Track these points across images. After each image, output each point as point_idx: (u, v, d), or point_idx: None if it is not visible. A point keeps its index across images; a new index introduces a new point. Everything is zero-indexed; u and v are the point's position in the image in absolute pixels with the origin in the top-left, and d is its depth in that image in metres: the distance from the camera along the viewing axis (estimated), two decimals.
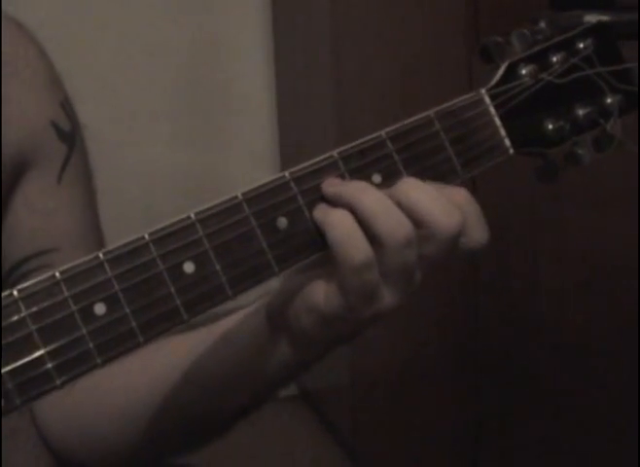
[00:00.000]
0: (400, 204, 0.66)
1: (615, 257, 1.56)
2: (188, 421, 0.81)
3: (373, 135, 0.70)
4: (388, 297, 0.67)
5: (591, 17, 0.76)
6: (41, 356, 0.61)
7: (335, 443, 2.10)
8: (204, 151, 2.24)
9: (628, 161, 1.28)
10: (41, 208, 0.86)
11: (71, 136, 0.87)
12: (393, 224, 0.65)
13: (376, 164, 0.69)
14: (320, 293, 0.67)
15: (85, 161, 0.90)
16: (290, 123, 2.23)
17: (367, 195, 0.66)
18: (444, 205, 0.66)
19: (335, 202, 0.67)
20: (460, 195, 0.68)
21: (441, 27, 1.59)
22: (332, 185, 0.67)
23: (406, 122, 0.70)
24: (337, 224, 0.66)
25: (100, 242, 0.90)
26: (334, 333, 0.70)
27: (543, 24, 0.75)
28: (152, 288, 0.63)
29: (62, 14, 2.04)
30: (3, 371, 0.60)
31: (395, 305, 0.68)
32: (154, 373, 0.81)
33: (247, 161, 2.26)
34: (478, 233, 0.68)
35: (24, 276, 0.84)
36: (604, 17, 0.76)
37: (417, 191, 0.66)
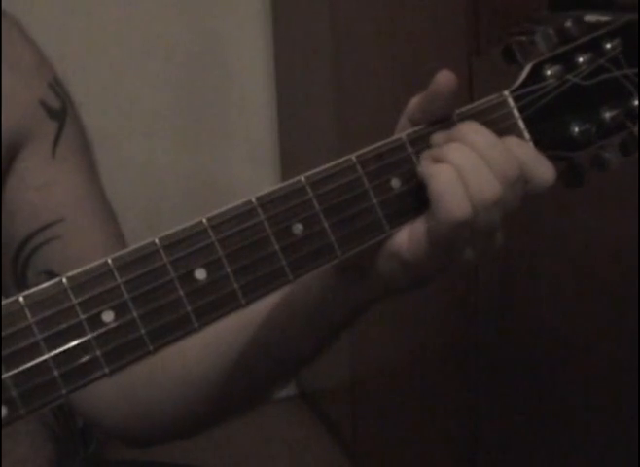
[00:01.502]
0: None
1: (615, 257, 1.56)
2: (249, 378, 0.80)
3: (393, 138, 0.68)
4: (469, 252, 0.68)
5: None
6: (47, 364, 0.59)
7: (335, 443, 2.10)
8: (204, 151, 2.24)
9: (629, 161, 1.28)
10: (38, 183, 0.86)
11: (62, 113, 0.88)
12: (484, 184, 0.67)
13: (395, 168, 0.68)
14: (403, 240, 0.68)
15: (80, 134, 0.90)
16: (290, 123, 2.22)
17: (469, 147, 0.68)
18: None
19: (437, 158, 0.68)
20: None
21: (441, 27, 1.59)
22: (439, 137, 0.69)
23: (426, 125, 0.69)
24: (441, 174, 0.66)
25: (107, 210, 0.90)
26: (410, 278, 0.70)
27: (569, 24, 0.73)
28: (162, 295, 0.62)
29: (62, 13, 2.04)
30: (7, 377, 0.59)
31: (473, 261, 0.69)
32: (210, 332, 0.79)
33: (247, 160, 2.26)
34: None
35: (34, 252, 0.85)
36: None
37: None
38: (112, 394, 0.85)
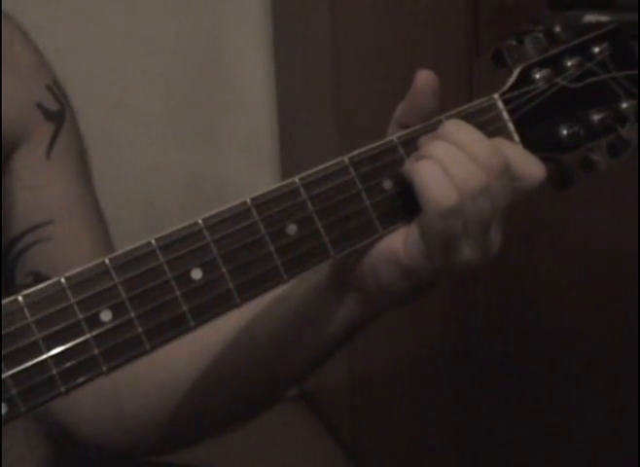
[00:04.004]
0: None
1: (615, 256, 1.56)
2: (237, 394, 0.79)
3: (385, 140, 0.69)
4: (467, 251, 0.68)
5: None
6: (46, 363, 0.60)
7: (335, 443, 2.11)
8: (204, 151, 2.24)
9: (628, 160, 1.28)
10: (31, 183, 0.86)
11: (59, 115, 0.88)
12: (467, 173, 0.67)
13: (388, 170, 0.68)
14: (399, 244, 0.68)
15: (76, 138, 0.90)
16: (290, 123, 2.23)
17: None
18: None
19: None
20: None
21: (441, 27, 1.59)
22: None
23: (417, 127, 0.70)
24: (423, 168, 0.66)
25: (98, 216, 0.90)
26: (411, 285, 0.69)
27: (558, 28, 0.74)
28: (159, 295, 0.63)
29: (61, 13, 2.04)
30: (7, 376, 0.60)
31: (471, 261, 0.68)
32: (198, 344, 0.78)
33: (247, 161, 2.26)
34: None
35: (23, 252, 0.85)
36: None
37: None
38: (93, 405, 0.85)
